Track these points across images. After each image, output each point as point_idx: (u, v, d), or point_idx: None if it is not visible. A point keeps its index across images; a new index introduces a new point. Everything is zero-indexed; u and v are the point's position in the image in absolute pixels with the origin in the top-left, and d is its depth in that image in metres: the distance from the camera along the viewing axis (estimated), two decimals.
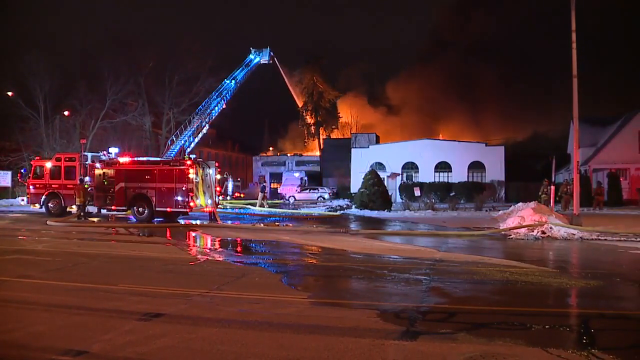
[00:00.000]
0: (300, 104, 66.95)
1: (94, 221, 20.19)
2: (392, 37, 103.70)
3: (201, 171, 20.26)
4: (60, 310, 6.40)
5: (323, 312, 6.48)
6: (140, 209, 20.08)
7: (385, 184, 31.13)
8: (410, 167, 42.08)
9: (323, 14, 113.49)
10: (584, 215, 17.93)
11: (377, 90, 71.68)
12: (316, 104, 64.17)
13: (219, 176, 22.22)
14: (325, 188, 46.30)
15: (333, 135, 64.56)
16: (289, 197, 44.18)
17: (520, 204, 19.14)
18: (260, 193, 31.50)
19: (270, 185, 58.88)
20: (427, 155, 41.60)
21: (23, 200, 25.33)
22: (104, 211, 21.54)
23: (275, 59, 54.17)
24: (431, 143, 43.26)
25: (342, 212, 27.53)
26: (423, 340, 5.18)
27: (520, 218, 15.96)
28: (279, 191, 48.48)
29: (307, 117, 64.92)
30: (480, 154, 41.23)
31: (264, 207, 30.21)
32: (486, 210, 26.02)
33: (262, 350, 4.90)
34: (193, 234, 16.59)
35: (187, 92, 46.16)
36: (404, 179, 41.31)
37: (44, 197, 22.10)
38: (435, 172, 41.32)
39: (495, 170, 39.58)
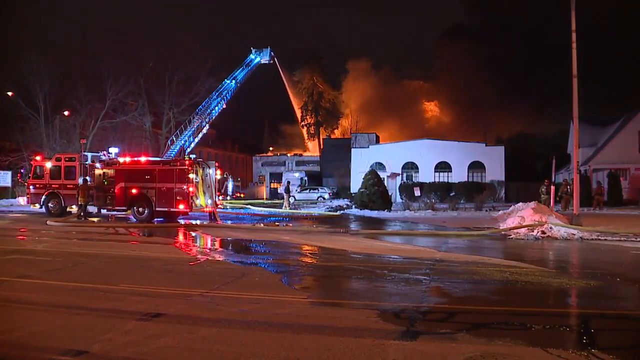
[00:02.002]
0: (297, 105, 66.90)
1: (94, 221, 20.19)
2: (390, 37, 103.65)
3: (201, 171, 20.27)
4: (60, 310, 6.40)
5: (323, 312, 6.48)
6: (140, 209, 20.09)
7: (385, 184, 31.14)
8: (410, 167, 42.07)
9: (323, 14, 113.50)
10: (584, 215, 17.92)
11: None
12: (316, 104, 64.20)
13: (219, 176, 22.22)
14: (325, 188, 46.29)
15: (333, 135, 64.56)
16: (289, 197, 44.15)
17: (520, 204, 19.11)
18: (285, 194, 32.95)
19: (270, 185, 58.98)
20: (427, 155, 41.60)
21: (23, 200, 25.33)
22: (104, 211, 21.57)
23: (275, 59, 54.16)
24: (431, 143, 43.23)
25: (342, 212, 27.52)
26: (423, 340, 5.18)
27: (520, 218, 15.95)
28: (278, 191, 48.49)
29: (307, 117, 64.91)
30: (480, 154, 41.23)
31: (287, 207, 30.99)
32: (486, 210, 26.00)
33: (262, 350, 4.89)
34: (193, 234, 16.60)
35: (187, 92, 46.16)
36: (404, 179, 41.31)
37: (44, 197, 22.08)
38: (435, 172, 41.31)
39: (495, 170, 39.58)
